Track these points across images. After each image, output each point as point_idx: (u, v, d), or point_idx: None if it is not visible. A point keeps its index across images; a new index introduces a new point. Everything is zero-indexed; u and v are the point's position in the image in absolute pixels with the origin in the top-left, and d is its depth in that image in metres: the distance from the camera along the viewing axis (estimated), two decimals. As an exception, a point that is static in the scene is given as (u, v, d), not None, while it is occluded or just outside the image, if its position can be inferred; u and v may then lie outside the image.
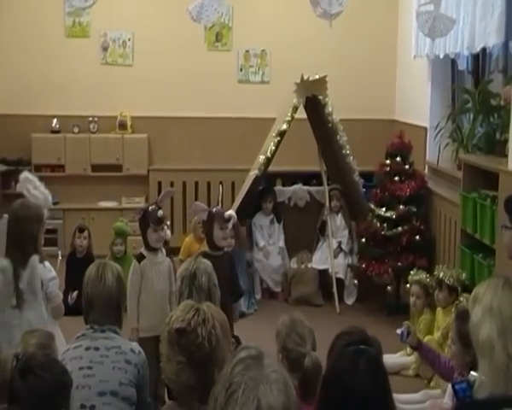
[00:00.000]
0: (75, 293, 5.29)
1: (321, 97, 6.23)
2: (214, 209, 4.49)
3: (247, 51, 7.99)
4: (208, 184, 7.72)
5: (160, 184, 7.66)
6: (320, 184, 6.86)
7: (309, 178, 7.23)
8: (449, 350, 3.59)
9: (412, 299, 5.25)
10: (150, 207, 4.23)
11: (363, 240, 6.33)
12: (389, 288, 6.26)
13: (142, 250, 4.22)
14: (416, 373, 5.05)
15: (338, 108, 6.34)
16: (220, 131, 7.93)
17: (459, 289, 4.86)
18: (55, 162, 7.73)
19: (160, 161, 7.97)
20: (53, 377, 2.24)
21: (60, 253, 4.17)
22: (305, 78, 6.13)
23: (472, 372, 2.02)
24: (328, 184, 6.73)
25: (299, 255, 6.83)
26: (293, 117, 6.20)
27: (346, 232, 6.79)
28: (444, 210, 6.03)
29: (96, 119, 7.84)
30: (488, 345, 1.89)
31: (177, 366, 2.08)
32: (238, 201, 6.39)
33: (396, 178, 6.22)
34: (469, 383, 2.02)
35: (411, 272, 5.41)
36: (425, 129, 6.83)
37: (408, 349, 4.95)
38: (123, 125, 7.83)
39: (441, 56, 6.26)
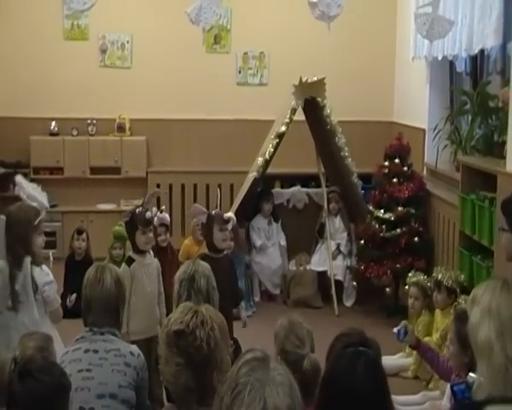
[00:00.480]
0: (74, 295, 5.26)
1: (319, 99, 6.23)
2: (213, 211, 4.49)
3: (245, 53, 8.00)
4: (207, 187, 7.72)
5: (158, 186, 7.65)
6: (318, 186, 6.87)
7: (307, 180, 7.23)
8: (447, 351, 3.59)
9: (410, 301, 5.26)
10: (138, 210, 4.18)
11: (362, 242, 6.34)
12: (388, 290, 6.27)
13: (131, 253, 4.21)
14: (414, 375, 5.05)
15: (336, 109, 6.34)
16: (219, 134, 7.94)
17: (458, 290, 4.86)
18: (54, 165, 7.73)
19: (159, 163, 7.98)
20: (52, 379, 2.24)
21: (51, 254, 4.16)
22: (304, 80, 6.14)
23: (470, 374, 2.02)
24: (326, 186, 6.74)
25: (298, 257, 6.83)
26: (291, 119, 6.21)
27: (345, 234, 6.79)
28: (442, 212, 6.04)
29: (94, 121, 7.84)
30: (486, 346, 1.89)
31: (175, 367, 2.08)
32: (237, 203, 6.39)
33: (394, 180, 6.23)
34: (468, 384, 2.02)
35: (409, 274, 5.41)
36: (423, 131, 6.84)
37: (407, 349, 4.95)
38: (121, 128, 7.83)
39: (439, 58, 6.26)
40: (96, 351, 2.83)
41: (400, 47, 7.76)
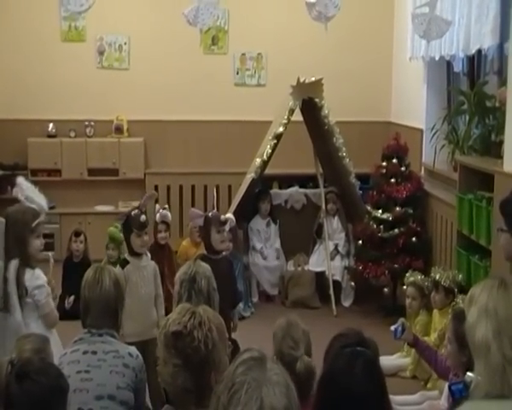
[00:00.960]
0: (72, 297, 5.27)
1: (317, 100, 6.23)
2: (210, 213, 4.48)
3: (243, 54, 8.00)
4: (205, 188, 7.71)
5: (156, 187, 7.65)
6: (316, 186, 6.86)
7: (305, 181, 7.23)
8: (445, 350, 3.59)
9: (408, 301, 5.26)
10: (133, 213, 4.16)
11: (360, 242, 6.34)
12: (386, 290, 6.28)
13: (126, 256, 4.20)
14: (412, 375, 5.05)
15: (334, 110, 6.35)
16: (217, 135, 7.94)
17: (455, 290, 4.87)
18: (52, 167, 7.73)
19: (157, 164, 7.98)
20: (49, 381, 2.23)
21: (51, 256, 4.14)
22: (302, 80, 6.14)
23: (468, 373, 2.03)
24: (324, 187, 6.74)
25: (296, 258, 6.83)
26: (289, 120, 6.20)
27: (343, 235, 6.79)
28: (440, 212, 6.04)
29: (92, 123, 7.83)
30: (484, 346, 1.89)
31: (173, 368, 2.08)
32: (235, 204, 6.39)
33: (392, 180, 6.23)
34: (466, 383, 2.03)
35: (407, 274, 5.42)
36: (421, 131, 6.85)
37: (405, 347, 4.96)
38: (119, 129, 7.83)
39: (437, 58, 6.27)
40: (94, 352, 2.83)
41: (397, 47, 7.77)
